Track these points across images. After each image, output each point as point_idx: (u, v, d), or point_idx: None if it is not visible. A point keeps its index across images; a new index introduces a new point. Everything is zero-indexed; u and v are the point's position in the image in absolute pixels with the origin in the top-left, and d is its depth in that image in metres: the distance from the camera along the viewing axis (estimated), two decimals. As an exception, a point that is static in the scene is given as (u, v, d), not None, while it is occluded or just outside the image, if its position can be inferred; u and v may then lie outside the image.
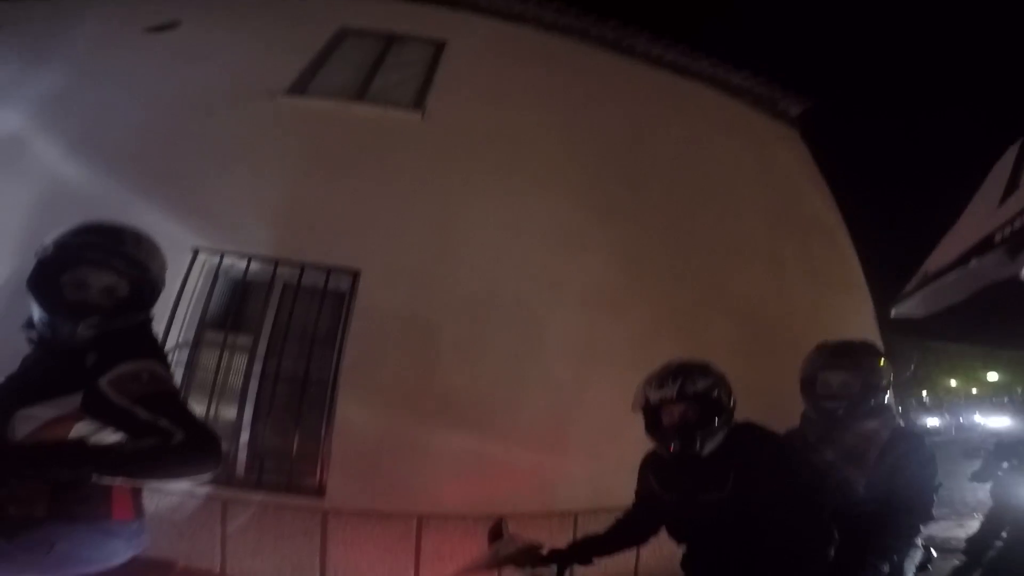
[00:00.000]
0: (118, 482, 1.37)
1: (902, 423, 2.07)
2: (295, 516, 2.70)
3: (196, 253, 2.94)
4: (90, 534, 1.41)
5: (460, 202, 3.14)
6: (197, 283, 2.97)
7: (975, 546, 3.50)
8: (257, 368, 2.95)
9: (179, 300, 2.85)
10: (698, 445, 1.60)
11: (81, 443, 1.35)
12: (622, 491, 1.88)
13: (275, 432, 2.94)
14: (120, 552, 1.47)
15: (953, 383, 24.35)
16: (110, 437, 1.38)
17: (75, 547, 1.39)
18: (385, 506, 2.70)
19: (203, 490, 2.71)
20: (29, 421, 1.34)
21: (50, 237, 1.46)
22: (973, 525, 3.92)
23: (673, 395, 1.61)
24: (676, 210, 3.55)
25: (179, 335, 2.88)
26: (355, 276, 2.98)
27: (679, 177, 3.89)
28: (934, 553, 1.95)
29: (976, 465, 3.67)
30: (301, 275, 2.98)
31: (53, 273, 1.42)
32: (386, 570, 2.70)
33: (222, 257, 2.98)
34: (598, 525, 1.85)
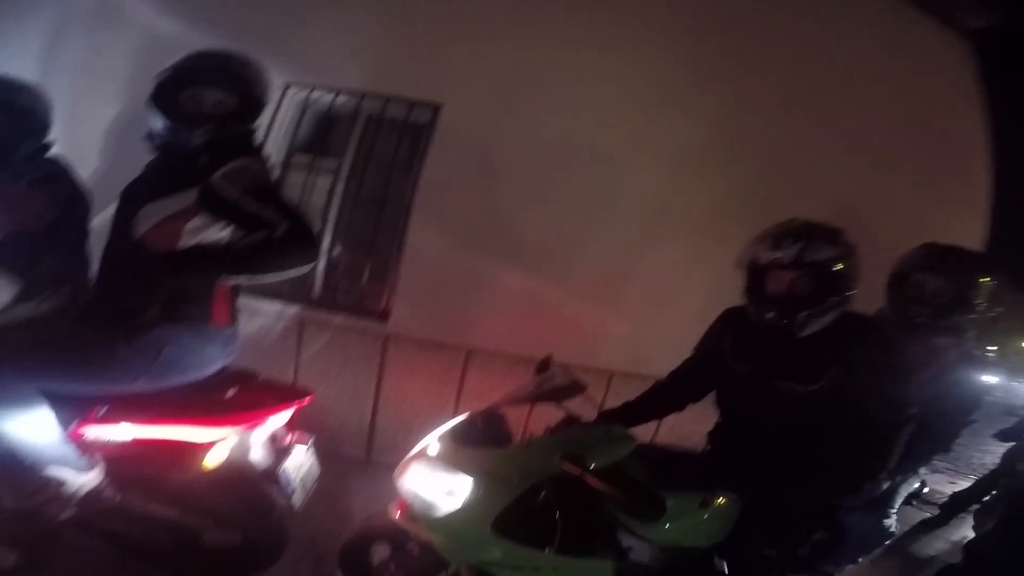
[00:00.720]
0: (233, 281, 1.51)
1: (971, 351, 1.97)
2: (360, 339, 2.95)
3: (287, 87, 3.03)
4: (193, 338, 1.56)
5: (548, 47, 2.95)
6: (287, 114, 3.10)
7: (954, 504, 3.43)
8: (339, 188, 3.12)
9: (270, 129, 3.00)
10: (800, 324, 1.39)
11: (207, 247, 1.48)
12: (662, 361, 1.84)
13: (351, 253, 3.16)
14: (216, 359, 1.63)
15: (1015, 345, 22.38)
16: (219, 235, 1.51)
17: (180, 352, 1.53)
18: (440, 336, 2.91)
19: (281, 308, 2.95)
20: (152, 215, 1.49)
21: (168, 63, 1.61)
22: (964, 485, 3.84)
23: (790, 259, 1.38)
24: (789, 90, 3.15)
25: (271, 158, 3.05)
26: (436, 109, 2.97)
27: (802, 58, 3.39)
28: (927, 487, 1.96)
29: (1008, 424, 3.50)
30: (385, 107, 3.04)
31: (172, 91, 1.57)
32: (431, 400, 2.91)
33: (311, 91, 3.07)
34: (629, 389, 1.84)
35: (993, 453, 3.46)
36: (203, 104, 1.59)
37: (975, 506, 3.31)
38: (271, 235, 1.41)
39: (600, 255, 2.93)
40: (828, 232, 1.44)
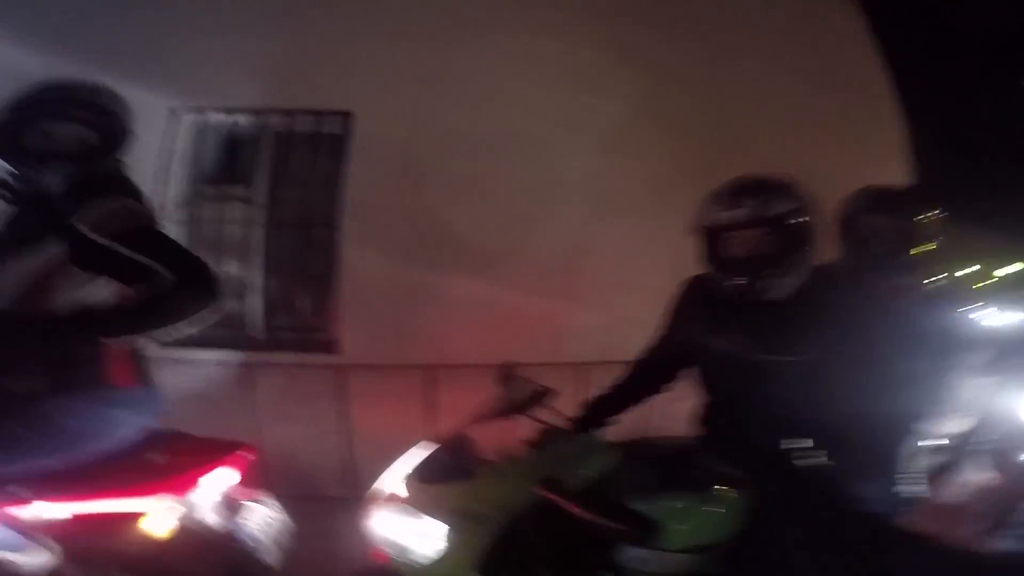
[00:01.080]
0: (114, 343, 1.36)
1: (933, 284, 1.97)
2: (314, 375, 2.75)
3: (176, 113, 2.79)
4: (93, 406, 1.40)
5: (463, 39, 2.83)
6: (183, 143, 2.85)
7: (958, 447, 3.42)
8: (257, 216, 2.88)
9: (165, 161, 2.77)
10: (772, 286, 1.29)
11: (82, 305, 1.31)
12: (633, 344, 1.71)
13: (284, 285, 2.94)
14: (130, 423, 1.47)
15: (967, 271, 24.29)
16: (98, 290, 1.35)
17: (81, 422, 1.38)
18: (398, 358, 2.73)
19: (223, 356, 2.76)
20: (16, 276, 1.32)
21: (3, 102, 1.42)
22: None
23: (750, 216, 1.26)
24: (705, 58, 3.19)
25: (172, 194, 2.82)
26: (346, 117, 2.80)
27: (712, 24, 3.46)
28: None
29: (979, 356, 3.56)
30: (292, 122, 2.83)
31: (15, 132, 1.39)
32: (405, 424, 2.71)
33: (205, 114, 2.84)
34: (606, 379, 1.76)
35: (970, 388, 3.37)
36: (55, 141, 1.41)
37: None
38: (154, 282, 1.24)
39: (547, 246, 2.82)
40: (783, 184, 1.34)
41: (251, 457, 1.64)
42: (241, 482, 1.63)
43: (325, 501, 2.68)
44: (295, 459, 2.79)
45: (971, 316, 1.85)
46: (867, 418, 1.20)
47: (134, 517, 1.41)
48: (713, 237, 1.34)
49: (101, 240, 1.25)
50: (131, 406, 1.47)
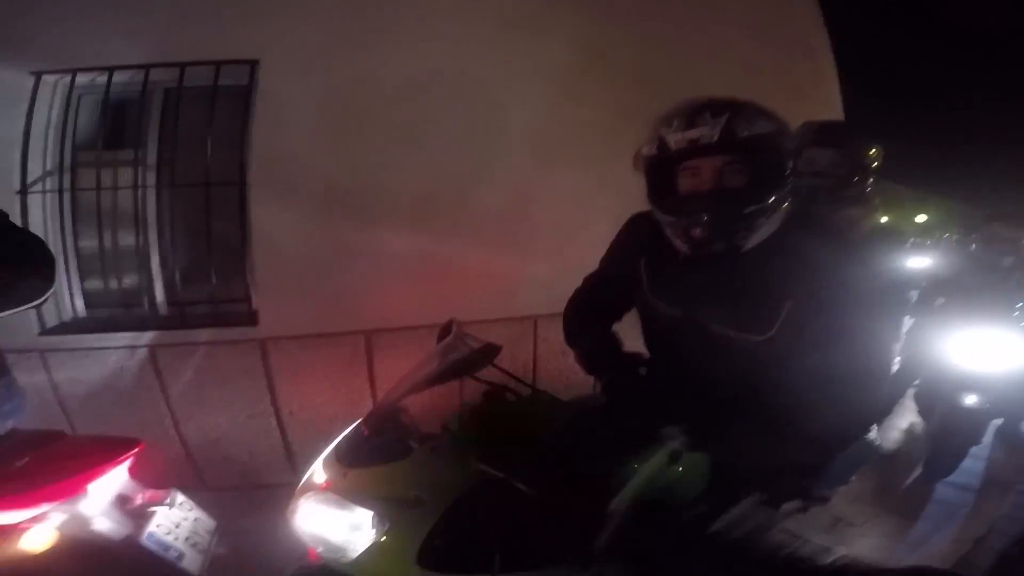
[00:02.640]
0: None
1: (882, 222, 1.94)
2: (232, 352, 2.47)
3: (39, 76, 2.39)
4: None
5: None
6: (53, 109, 2.47)
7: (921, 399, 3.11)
8: (148, 181, 2.50)
9: (29, 129, 2.38)
10: (741, 235, 1.00)
11: None
12: None
13: (187, 254, 2.58)
14: None
15: (884, 220, 26.04)
16: None
17: None
18: (328, 326, 2.49)
19: (127, 339, 2.43)
20: None
21: None
22: None
23: (714, 137, 0.95)
24: (653, 3, 3.00)
25: (44, 164, 2.45)
26: (253, 66, 2.43)
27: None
28: None
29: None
30: (182, 76, 2.41)
31: None
32: (343, 398, 2.57)
33: (74, 76, 2.42)
34: (557, 331, 1.63)
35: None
36: None
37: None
38: None
39: (491, 196, 2.60)
40: (751, 105, 1.02)
41: (148, 454, 1.48)
42: (141, 482, 1.50)
43: (262, 490, 2.48)
44: (222, 448, 2.56)
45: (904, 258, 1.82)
46: (828, 407, 0.92)
47: (5, 531, 1.26)
48: (664, 168, 1.05)
49: None
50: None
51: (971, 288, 2.50)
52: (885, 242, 1.79)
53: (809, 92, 3.85)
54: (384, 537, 1.08)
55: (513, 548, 1.04)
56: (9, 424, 1.35)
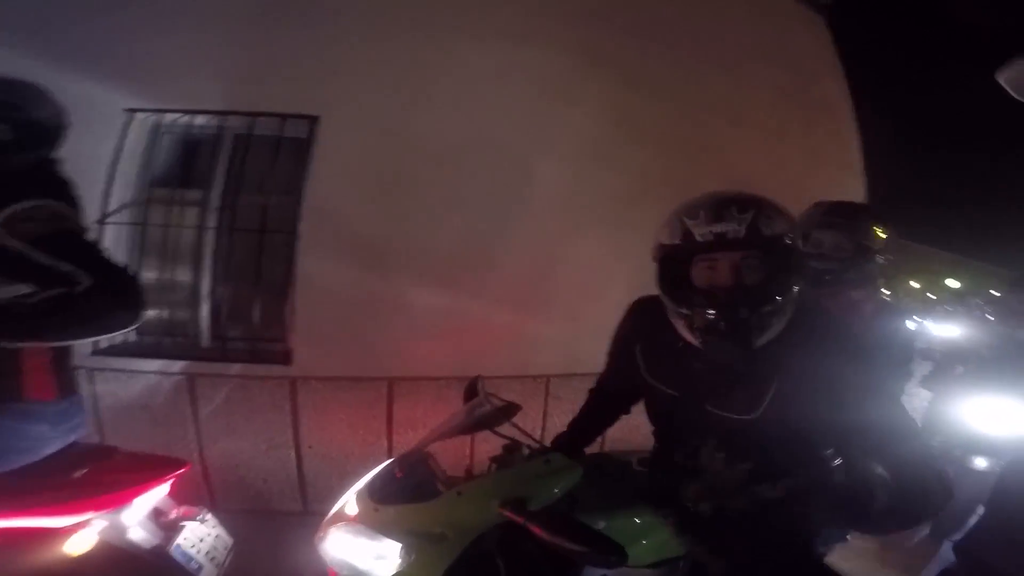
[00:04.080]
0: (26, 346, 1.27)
1: (887, 298, 1.99)
2: (263, 387, 2.62)
3: (132, 113, 2.65)
4: (8, 420, 1.32)
5: (436, 44, 2.78)
6: (137, 144, 2.72)
7: None
8: (210, 221, 2.74)
9: (116, 163, 2.62)
10: (756, 333, 1.01)
11: None
12: (599, 357, 1.62)
13: (236, 293, 2.78)
14: (50, 437, 1.40)
15: (914, 285, 25.12)
16: (9, 298, 1.23)
17: None
18: (354, 370, 2.63)
19: (165, 366, 2.60)
20: None
21: None
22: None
23: (740, 233, 0.99)
24: (675, 70, 3.23)
25: (121, 197, 2.68)
26: (313, 121, 2.68)
27: (682, 37, 3.52)
28: None
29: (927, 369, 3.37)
30: (252, 125, 2.69)
31: None
32: (359, 439, 2.68)
33: (162, 115, 2.70)
34: (569, 391, 1.73)
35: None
36: None
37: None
38: (71, 292, 1.17)
39: (516, 257, 2.77)
40: (770, 202, 1.06)
41: (187, 474, 1.59)
42: (176, 500, 1.60)
43: (275, 516, 2.62)
44: (244, 473, 2.68)
45: (913, 330, 1.85)
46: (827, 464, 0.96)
47: (53, 534, 1.35)
48: (681, 260, 1.08)
49: (13, 243, 1.16)
50: (54, 419, 1.39)
51: (989, 359, 2.52)
52: (884, 323, 1.83)
53: (830, 154, 3.95)
54: (408, 568, 1.16)
55: None
56: (72, 438, 1.45)
